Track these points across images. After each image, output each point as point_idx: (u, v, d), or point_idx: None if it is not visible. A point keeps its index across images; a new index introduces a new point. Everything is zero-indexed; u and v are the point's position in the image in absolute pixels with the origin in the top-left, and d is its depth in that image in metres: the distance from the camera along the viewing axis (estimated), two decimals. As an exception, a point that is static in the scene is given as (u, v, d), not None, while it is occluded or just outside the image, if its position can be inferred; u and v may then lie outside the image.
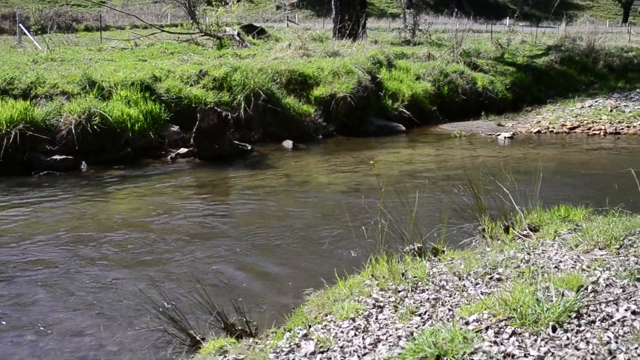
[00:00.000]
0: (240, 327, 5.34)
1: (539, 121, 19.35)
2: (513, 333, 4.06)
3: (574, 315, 4.20)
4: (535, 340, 3.95)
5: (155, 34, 27.35)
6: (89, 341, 5.94)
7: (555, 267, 5.25)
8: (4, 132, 12.71)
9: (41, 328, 6.18)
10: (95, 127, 13.38)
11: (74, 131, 13.19)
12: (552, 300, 4.29)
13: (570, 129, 18.50)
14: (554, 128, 18.58)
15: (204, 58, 19.95)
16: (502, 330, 4.12)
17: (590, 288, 4.60)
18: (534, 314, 4.17)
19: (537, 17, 63.50)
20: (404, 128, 18.29)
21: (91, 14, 50.08)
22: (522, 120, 19.88)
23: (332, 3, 28.19)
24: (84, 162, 13.13)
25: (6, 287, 7.17)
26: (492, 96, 22.10)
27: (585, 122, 18.92)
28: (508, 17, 50.70)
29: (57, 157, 12.90)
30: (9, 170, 12.45)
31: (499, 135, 17.46)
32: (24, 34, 26.82)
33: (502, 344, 3.97)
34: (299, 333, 4.72)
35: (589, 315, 4.20)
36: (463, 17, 52.83)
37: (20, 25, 27.38)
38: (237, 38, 25.49)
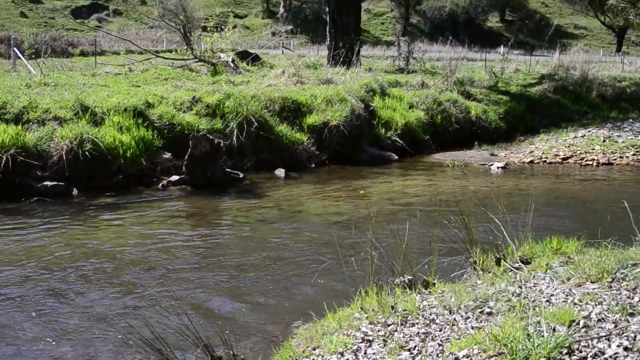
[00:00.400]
0: (227, 360, 5.27)
1: (532, 151, 19.34)
2: (503, 369, 4.01)
3: (566, 351, 4.13)
4: (526, 377, 3.89)
5: (150, 60, 27.38)
6: (74, 373, 5.86)
7: (547, 300, 5.20)
8: (-6, 156, 12.64)
9: (27, 358, 6.09)
10: (87, 153, 13.34)
11: (65, 157, 13.14)
12: (543, 336, 4.23)
13: (563, 159, 18.50)
14: (547, 158, 18.57)
15: (198, 84, 19.96)
16: (492, 366, 4.06)
17: (582, 323, 4.54)
18: (524, 350, 4.11)
19: (531, 45, 63.79)
20: (396, 157, 18.24)
21: (87, 39, 50.13)
22: (515, 150, 19.87)
23: (327, 30, 28.24)
24: (75, 189, 13.07)
25: (-9, 316, 7.09)
26: (486, 125, 22.09)
27: (578, 152, 18.92)
28: (502, 45, 50.88)
29: (48, 183, 12.83)
30: (-2, 195, 12.39)
31: (491, 165, 17.43)
32: (19, 57, 26.81)
33: (492, 381, 3.91)
34: (286, 367, 4.66)
35: (581, 352, 4.14)
36: (458, 45, 53.00)
37: (14, 49, 27.38)
38: (232, 64, 25.52)
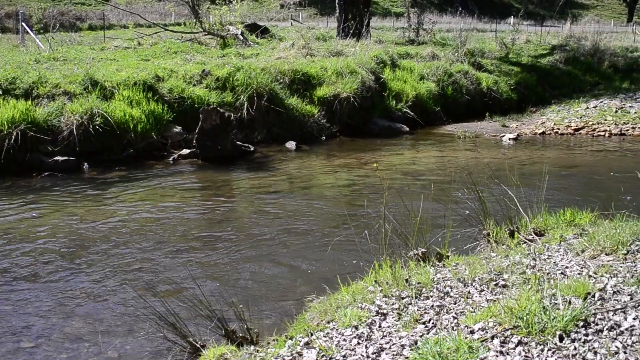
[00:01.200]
0: (241, 334, 5.27)
1: (544, 122, 19.26)
2: (519, 342, 3.99)
3: (582, 324, 4.11)
4: (542, 350, 3.88)
5: (159, 33, 27.30)
6: (88, 347, 5.86)
7: (562, 273, 5.17)
8: (5, 132, 12.67)
9: (39, 334, 6.11)
10: (97, 127, 13.35)
11: (75, 132, 13.14)
12: (559, 309, 4.21)
13: (575, 130, 18.41)
14: (558, 129, 18.48)
15: (207, 57, 19.92)
16: (508, 339, 4.04)
17: (597, 295, 4.52)
18: (540, 323, 4.09)
19: (542, 16, 63.43)
20: (407, 129, 18.22)
21: (95, 13, 50.11)
22: (527, 121, 19.80)
23: (336, 2, 28.12)
24: (85, 164, 13.11)
25: (3, 291, 7.10)
26: (497, 97, 22.05)
27: (590, 123, 18.81)
28: (512, 16, 50.61)
29: (59, 158, 12.84)
30: (10, 171, 12.42)
31: (503, 136, 17.36)
32: (27, 32, 26.77)
33: (508, 354, 3.90)
34: (300, 341, 4.65)
35: (597, 324, 4.12)
36: (467, 16, 52.77)
37: (23, 24, 27.33)
38: (241, 37, 25.44)
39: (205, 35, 25.98)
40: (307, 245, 8.60)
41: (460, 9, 52.14)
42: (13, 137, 12.61)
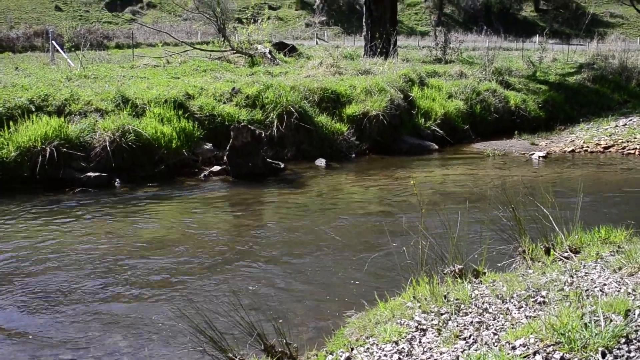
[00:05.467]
0: (280, 349, 5.27)
1: (573, 140, 19.20)
2: (562, 359, 3.98)
3: (623, 340, 4.10)
4: (585, 366, 3.87)
5: (187, 52, 27.49)
6: (126, 360, 5.91)
7: (600, 290, 5.17)
8: (38, 148, 12.79)
9: (78, 347, 6.17)
10: (129, 144, 13.45)
11: (108, 148, 13.25)
12: (600, 325, 4.21)
13: (605, 148, 18.34)
14: (588, 147, 18.42)
15: (236, 76, 20.05)
16: (550, 355, 4.04)
17: (637, 312, 4.50)
18: (582, 339, 4.08)
19: (567, 34, 63.25)
20: (436, 147, 18.22)
21: (122, 32, 50.45)
22: (556, 139, 19.74)
23: (363, 21, 28.32)
24: (117, 179, 13.21)
25: (41, 305, 7.17)
26: (525, 115, 22.01)
27: (620, 141, 18.74)
28: (538, 35, 50.52)
29: (91, 174, 12.95)
30: (44, 186, 12.54)
31: (532, 154, 17.32)
32: (57, 51, 27.02)
33: (551, 370, 3.89)
34: (341, 356, 4.67)
35: (639, 341, 4.11)
36: (492, 34, 52.74)
37: (53, 42, 27.59)
38: (269, 56, 25.60)
39: (234, 53, 26.14)
40: (342, 261, 8.62)
41: (485, 27, 52.17)
42: (47, 153, 12.73)
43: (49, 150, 12.80)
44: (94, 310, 7.02)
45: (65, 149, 13.02)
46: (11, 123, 13.26)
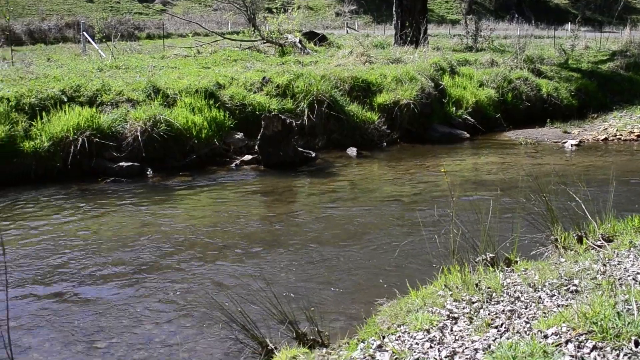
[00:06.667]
0: (312, 337, 5.30)
1: (606, 128, 19.02)
2: (594, 347, 3.96)
3: (657, 330, 4.07)
4: (618, 356, 3.85)
5: (218, 42, 27.55)
6: (159, 348, 5.95)
7: (633, 279, 5.14)
8: (71, 138, 12.89)
9: (111, 335, 6.22)
10: (160, 134, 13.52)
11: (139, 138, 13.32)
12: (632, 314, 4.18)
13: (638, 136, 18.14)
14: (621, 135, 18.24)
15: (267, 65, 20.04)
16: (582, 344, 4.02)
17: (671, 301, 4.47)
18: (615, 328, 4.05)
19: (600, 22, 62.72)
20: (467, 135, 18.15)
21: (153, 22, 50.74)
22: (588, 127, 19.57)
23: (394, 9, 28.19)
24: (149, 169, 13.27)
25: (75, 293, 7.25)
26: (557, 103, 21.81)
27: (654, 129, 18.55)
28: (570, 22, 50.13)
29: (124, 163, 13.02)
30: (76, 176, 12.65)
31: (565, 142, 17.19)
32: (88, 42, 27.19)
33: (583, 358, 3.87)
34: (372, 344, 4.67)
35: (672, 330, 4.08)
36: (524, 22, 52.39)
37: (84, 33, 27.76)
38: (299, 45, 25.58)
39: (264, 43, 26.16)
40: (373, 249, 8.63)
41: (516, 15, 51.83)
42: (79, 143, 12.83)
43: (81, 140, 12.89)
44: (124, 298, 7.08)
45: (97, 139, 13.09)
46: (44, 114, 13.35)
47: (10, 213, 10.48)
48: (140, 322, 6.48)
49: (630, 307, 4.31)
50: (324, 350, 5.10)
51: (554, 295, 5.08)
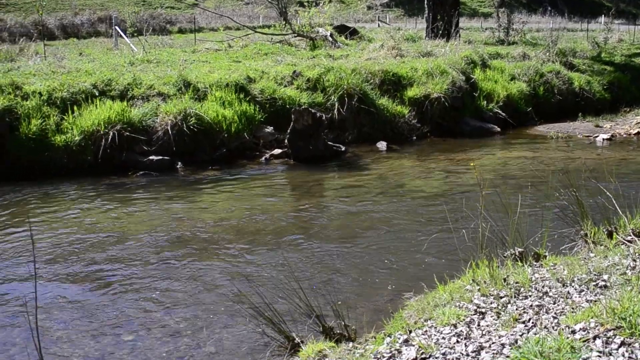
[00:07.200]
0: (338, 331, 5.31)
1: (638, 122, 18.82)
2: (622, 343, 3.93)
3: (687, 326, 4.04)
4: (646, 351, 3.82)
5: (249, 35, 27.59)
6: (187, 341, 5.98)
7: (663, 274, 5.09)
8: (102, 132, 12.98)
9: (139, 327, 6.27)
10: (190, 128, 13.57)
11: (170, 132, 13.39)
12: (662, 310, 4.14)
13: (671, 130, 17.97)
14: (654, 130, 18.07)
15: (297, 59, 20.05)
16: (610, 340, 3.99)
17: (701, 297, 4.43)
18: (644, 324, 4.02)
19: (634, 14, 62.14)
20: (498, 129, 18.05)
21: (184, 16, 50.96)
22: (621, 121, 19.38)
23: (425, 3, 28.13)
24: (179, 163, 13.33)
25: (104, 286, 7.31)
26: (589, 97, 21.64)
27: (688, 123, 18.34)
28: (603, 15, 49.70)
29: (154, 157, 13.10)
30: (107, 170, 12.73)
31: (597, 137, 17.04)
32: (120, 36, 27.34)
33: (611, 354, 3.84)
34: (399, 338, 4.66)
35: (702, 327, 4.04)
36: (557, 15, 52.04)
37: (116, 27, 27.91)
38: (330, 39, 25.57)
39: (295, 37, 26.16)
40: (401, 243, 8.62)
41: (549, 8, 51.48)
42: (110, 137, 12.91)
43: (111, 134, 12.97)
44: (153, 292, 7.13)
45: (127, 133, 13.17)
46: (75, 108, 13.46)
47: (41, 206, 10.59)
48: (167, 315, 6.52)
49: (659, 303, 4.27)
50: (351, 344, 5.10)
51: (583, 290, 5.04)
